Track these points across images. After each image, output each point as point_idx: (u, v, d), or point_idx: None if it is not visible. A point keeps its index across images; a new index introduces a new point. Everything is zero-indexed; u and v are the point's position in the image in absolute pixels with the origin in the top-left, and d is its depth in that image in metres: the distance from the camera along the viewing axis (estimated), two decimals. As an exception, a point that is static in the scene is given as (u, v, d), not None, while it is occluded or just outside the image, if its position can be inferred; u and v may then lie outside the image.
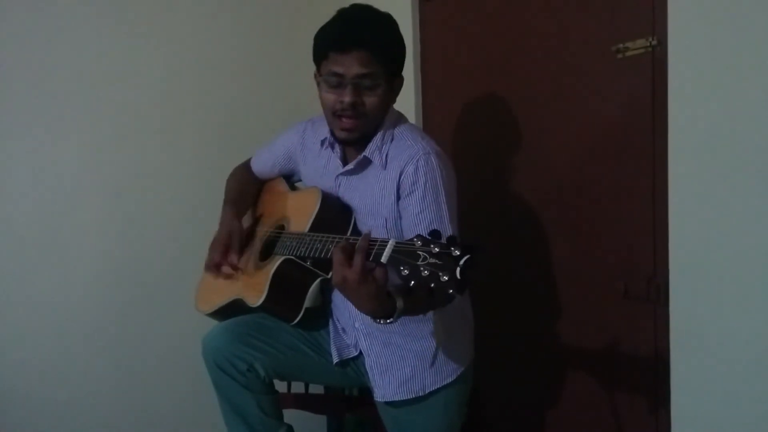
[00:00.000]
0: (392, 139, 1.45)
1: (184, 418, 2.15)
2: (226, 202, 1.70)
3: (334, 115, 1.42)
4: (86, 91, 1.97)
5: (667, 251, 1.50)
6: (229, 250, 1.58)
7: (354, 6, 1.44)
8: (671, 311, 1.50)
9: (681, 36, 1.44)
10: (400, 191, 1.41)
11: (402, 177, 1.40)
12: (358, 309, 1.20)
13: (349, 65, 1.36)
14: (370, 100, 1.39)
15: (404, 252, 1.08)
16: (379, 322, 1.21)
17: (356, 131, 1.41)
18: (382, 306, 1.18)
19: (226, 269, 1.58)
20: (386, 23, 1.43)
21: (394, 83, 1.45)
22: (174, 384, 2.12)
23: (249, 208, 1.75)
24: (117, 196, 2.03)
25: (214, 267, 1.58)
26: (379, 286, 1.14)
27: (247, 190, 1.75)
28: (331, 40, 1.39)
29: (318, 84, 1.45)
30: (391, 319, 1.20)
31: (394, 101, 1.49)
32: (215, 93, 2.17)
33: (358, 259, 1.12)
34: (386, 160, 1.43)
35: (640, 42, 1.57)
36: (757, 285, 1.37)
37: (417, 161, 1.38)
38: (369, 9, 1.43)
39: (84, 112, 1.97)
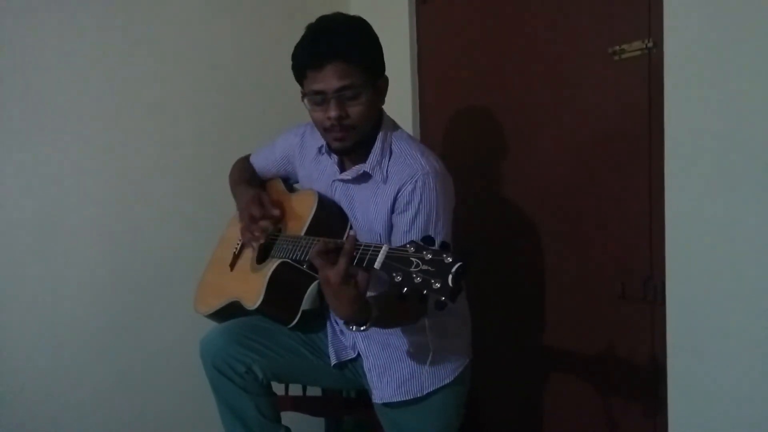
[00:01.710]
0: (391, 154, 1.45)
1: (182, 420, 2.14)
2: (238, 183, 1.69)
3: (325, 130, 1.42)
4: (84, 91, 1.96)
5: (664, 252, 1.51)
6: (265, 205, 1.54)
7: (321, 18, 1.41)
8: (668, 312, 1.51)
9: (677, 38, 1.44)
10: (395, 206, 1.41)
11: (399, 194, 1.40)
12: (334, 311, 1.23)
13: (328, 80, 1.35)
14: (355, 110, 1.38)
15: (397, 258, 1.08)
16: (351, 329, 1.23)
17: (348, 140, 1.41)
18: (358, 312, 1.20)
19: (264, 224, 1.51)
20: (356, 28, 1.40)
21: (378, 85, 1.43)
22: (172, 386, 2.12)
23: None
24: (115, 196, 2.02)
25: (254, 221, 1.52)
26: (359, 291, 1.17)
27: (254, 177, 1.75)
28: (306, 59, 1.38)
29: (304, 102, 1.44)
30: (364, 327, 1.22)
31: (382, 102, 1.48)
32: (213, 93, 2.17)
33: (342, 261, 1.15)
34: (387, 175, 1.43)
35: (637, 44, 1.57)
36: (753, 285, 1.37)
37: (416, 181, 1.38)
38: (336, 18, 1.41)
39: (81, 112, 1.96)
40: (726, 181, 1.39)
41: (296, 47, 1.41)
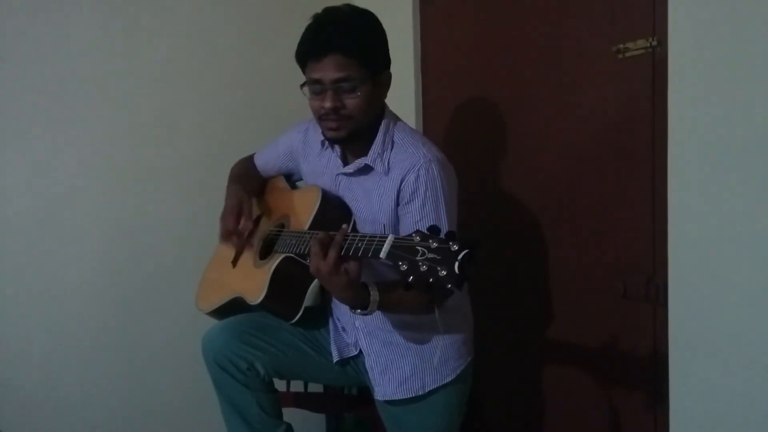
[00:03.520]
0: (392, 146, 1.45)
1: (184, 416, 2.15)
2: (231, 181, 1.70)
3: (320, 118, 1.43)
4: (85, 90, 1.96)
5: (667, 252, 1.50)
6: (242, 216, 1.56)
7: (326, 9, 1.41)
8: (670, 312, 1.50)
9: (681, 36, 1.44)
10: (400, 198, 1.41)
11: (403, 184, 1.40)
12: (334, 297, 1.33)
13: (326, 71, 1.36)
14: (351, 102, 1.38)
15: (403, 247, 1.10)
16: (356, 313, 1.29)
17: (341, 130, 1.41)
18: (356, 297, 1.26)
19: (238, 238, 1.56)
20: (360, 21, 1.40)
21: (379, 79, 1.42)
22: (174, 382, 2.12)
23: (255, 191, 1.73)
24: (116, 194, 2.03)
25: (227, 235, 1.57)
26: (351, 278, 1.22)
27: (252, 176, 1.75)
28: (307, 48, 1.39)
29: (303, 90, 1.45)
30: (367, 311, 1.28)
31: (384, 96, 1.48)
32: (214, 93, 2.17)
33: (332, 253, 1.21)
34: (388, 167, 1.43)
35: (641, 42, 1.57)
36: (756, 285, 1.37)
37: (418, 170, 1.38)
38: (341, 10, 1.40)
39: (83, 111, 1.96)
40: (729, 180, 1.38)
41: (302, 35, 1.42)
